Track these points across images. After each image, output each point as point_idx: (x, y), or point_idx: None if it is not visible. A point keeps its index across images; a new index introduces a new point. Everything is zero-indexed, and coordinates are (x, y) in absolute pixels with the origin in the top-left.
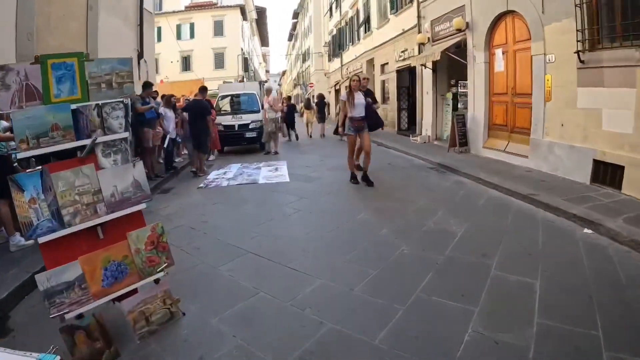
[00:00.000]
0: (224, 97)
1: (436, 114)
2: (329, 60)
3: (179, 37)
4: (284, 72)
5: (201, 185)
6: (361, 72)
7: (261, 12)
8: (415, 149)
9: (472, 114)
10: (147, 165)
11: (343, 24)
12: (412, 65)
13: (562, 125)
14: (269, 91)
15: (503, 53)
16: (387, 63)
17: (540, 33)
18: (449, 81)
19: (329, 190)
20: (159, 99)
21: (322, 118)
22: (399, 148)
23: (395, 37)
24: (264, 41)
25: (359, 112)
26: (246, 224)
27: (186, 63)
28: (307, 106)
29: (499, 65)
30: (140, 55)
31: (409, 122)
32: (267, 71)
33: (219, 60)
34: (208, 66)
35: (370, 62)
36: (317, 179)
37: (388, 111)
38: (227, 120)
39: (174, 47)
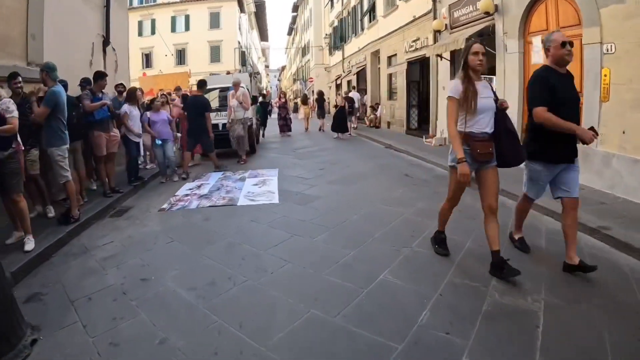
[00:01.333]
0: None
1: None
2: (330, 53)
3: (173, 29)
4: (283, 68)
5: (164, 205)
6: (477, 40)
7: (260, 5)
8: (433, 154)
9: None
10: (101, 178)
11: (345, 14)
12: (426, 55)
13: (624, 132)
14: (237, 85)
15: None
16: (394, 55)
17: (595, 17)
18: None
19: (334, 221)
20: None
21: (322, 114)
22: (412, 152)
23: (405, 25)
24: (263, 35)
25: (486, 123)
26: (202, 291)
27: (181, 57)
28: (304, 101)
29: (538, 56)
30: (105, 42)
31: (420, 120)
32: (266, 66)
33: (215, 54)
34: (203, 60)
35: (375, 55)
36: (317, 199)
37: (396, 108)
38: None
39: (168, 40)
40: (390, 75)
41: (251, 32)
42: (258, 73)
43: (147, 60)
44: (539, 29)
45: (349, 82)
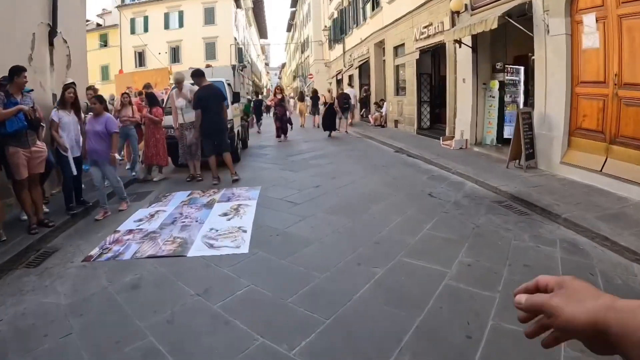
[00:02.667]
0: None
1: (477, 110)
2: (330, 47)
3: (167, 26)
4: (283, 65)
5: (93, 251)
6: None
7: (258, 1)
8: (455, 161)
9: (542, 112)
10: (25, 209)
11: (345, 3)
12: (444, 41)
13: None
14: (179, 82)
15: (597, 21)
16: (402, 44)
17: None
18: (493, 65)
19: (333, 299)
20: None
21: (316, 111)
22: (429, 158)
23: (414, 10)
24: (263, 33)
25: None
26: None
27: (175, 54)
28: (301, 99)
29: (591, 39)
30: (52, 32)
31: (432, 118)
32: (266, 64)
33: (210, 51)
34: (198, 57)
35: (379, 45)
36: (307, 246)
37: (404, 105)
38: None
39: (162, 38)
40: (397, 68)
41: (249, 29)
42: (244, 66)
43: (140, 58)
44: (592, 4)
45: (350, 76)
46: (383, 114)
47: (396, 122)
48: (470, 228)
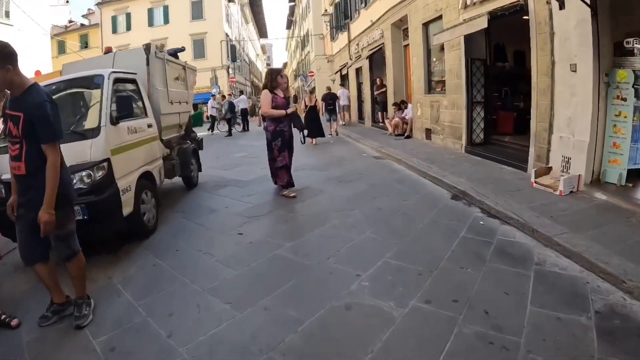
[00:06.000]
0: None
1: (597, 122)
2: (332, 39)
3: (151, 23)
4: (285, 65)
5: None
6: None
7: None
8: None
9: None
10: None
11: None
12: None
13: None
14: None
15: None
16: (437, 17)
17: None
18: (619, 41)
19: None
20: None
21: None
22: (548, 234)
23: None
24: (263, 33)
25: None
26: None
27: None
28: (295, 99)
29: None
30: None
31: (487, 129)
32: (267, 64)
33: (199, 48)
34: (185, 55)
35: (398, 26)
36: None
37: (443, 107)
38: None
39: (145, 35)
40: (429, 53)
41: (246, 26)
42: (180, 50)
43: None
44: None
45: (357, 70)
46: (406, 119)
47: (428, 131)
48: None
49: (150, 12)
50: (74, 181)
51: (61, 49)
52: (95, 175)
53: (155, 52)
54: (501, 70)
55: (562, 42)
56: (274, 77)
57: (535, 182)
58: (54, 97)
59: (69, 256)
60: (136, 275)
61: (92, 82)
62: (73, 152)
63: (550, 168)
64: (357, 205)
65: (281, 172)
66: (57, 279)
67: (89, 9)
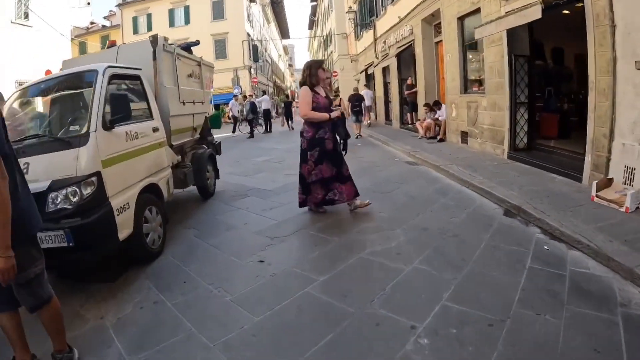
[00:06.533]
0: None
1: None
2: (356, 37)
3: (171, 24)
4: None
5: None
6: None
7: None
8: None
9: None
10: None
11: None
12: None
13: None
14: None
15: None
16: (474, 11)
17: None
18: None
19: None
20: None
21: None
22: (617, 259)
23: None
24: (284, 33)
25: None
26: None
27: None
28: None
29: None
30: None
31: (530, 133)
32: (290, 65)
33: (220, 48)
34: (208, 56)
35: (429, 21)
36: None
37: (482, 108)
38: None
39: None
40: (465, 49)
41: (268, 27)
42: (193, 44)
43: None
44: None
45: (384, 69)
46: (439, 120)
47: (464, 134)
48: None
49: (171, 12)
50: (57, 200)
51: (82, 50)
52: (82, 193)
53: (164, 45)
54: (543, 68)
55: (626, 36)
56: (314, 72)
57: (597, 196)
58: (44, 97)
59: (35, 306)
60: (133, 317)
61: (83, 79)
62: (55, 165)
63: (611, 180)
64: (398, 223)
65: (315, 187)
66: (23, 334)
67: (110, 11)
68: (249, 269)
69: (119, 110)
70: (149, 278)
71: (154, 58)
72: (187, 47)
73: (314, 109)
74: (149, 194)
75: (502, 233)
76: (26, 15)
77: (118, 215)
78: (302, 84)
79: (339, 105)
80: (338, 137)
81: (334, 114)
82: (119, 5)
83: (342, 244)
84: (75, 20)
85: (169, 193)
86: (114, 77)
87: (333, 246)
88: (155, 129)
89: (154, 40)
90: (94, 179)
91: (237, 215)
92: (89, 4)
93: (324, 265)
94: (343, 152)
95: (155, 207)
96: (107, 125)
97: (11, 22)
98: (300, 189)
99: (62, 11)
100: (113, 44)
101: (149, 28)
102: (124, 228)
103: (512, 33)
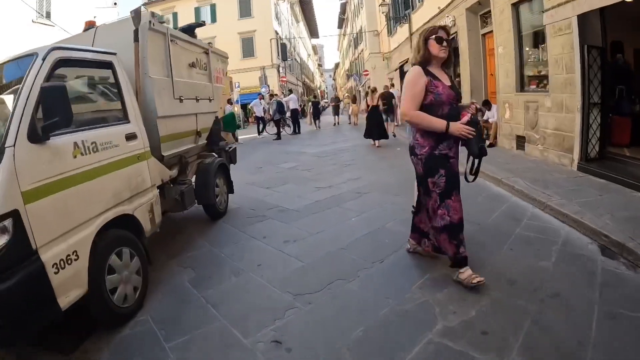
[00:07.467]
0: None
1: None
2: (389, 33)
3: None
4: (337, 65)
5: None
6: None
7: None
8: None
9: None
10: None
11: None
12: None
13: None
14: None
15: None
16: None
17: None
18: None
19: None
20: None
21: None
22: None
23: None
24: (313, 32)
25: None
26: None
27: None
28: (354, 101)
29: None
30: None
31: (602, 139)
32: (319, 65)
33: (248, 47)
34: (235, 55)
35: (475, 11)
36: None
37: (543, 110)
38: None
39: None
40: (520, 40)
41: (297, 25)
42: (197, 26)
43: None
44: None
45: None
46: (489, 122)
47: (520, 139)
48: None
49: (197, 10)
50: None
51: None
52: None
53: (151, 22)
54: (612, 63)
55: None
56: (422, 44)
57: None
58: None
59: None
60: None
61: (18, 69)
62: None
63: None
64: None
65: (443, 236)
66: None
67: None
68: (256, 358)
69: (59, 111)
70: (115, 354)
71: (136, 39)
72: (190, 29)
73: (431, 104)
74: (119, 230)
75: (611, 287)
76: (48, 15)
77: (57, 272)
78: (413, 62)
79: (473, 104)
80: (469, 155)
81: (465, 119)
82: (145, 5)
83: (399, 312)
84: (101, 20)
85: (154, 224)
86: (62, 64)
87: (384, 314)
88: (130, 136)
89: (137, 15)
90: (6, 222)
91: (250, 249)
92: (115, 4)
93: (372, 354)
94: (471, 178)
95: (130, 247)
96: (38, 135)
97: (32, 21)
98: (412, 237)
99: (87, 11)
100: (92, 24)
101: (175, 27)
102: (70, 289)
103: (583, 19)
